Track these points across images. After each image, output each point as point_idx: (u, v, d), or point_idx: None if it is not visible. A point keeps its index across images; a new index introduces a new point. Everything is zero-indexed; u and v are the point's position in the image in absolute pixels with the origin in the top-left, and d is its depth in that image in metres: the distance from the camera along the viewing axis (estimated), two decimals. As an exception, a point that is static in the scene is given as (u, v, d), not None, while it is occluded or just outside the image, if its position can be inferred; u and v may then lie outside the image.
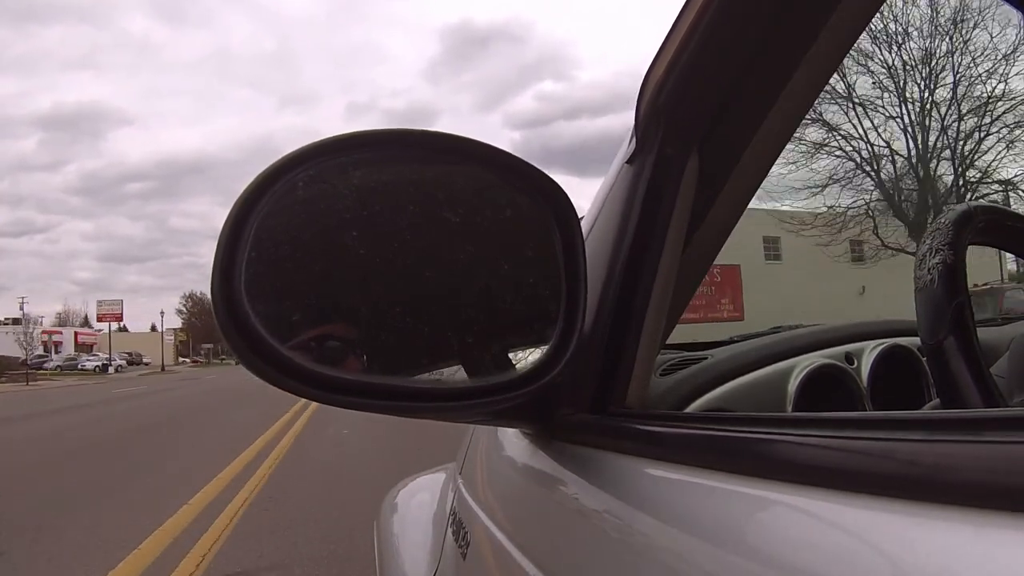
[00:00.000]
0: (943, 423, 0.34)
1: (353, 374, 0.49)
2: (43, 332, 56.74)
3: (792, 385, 0.80)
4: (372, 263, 0.51)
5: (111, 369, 46.95)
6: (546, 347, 0.53)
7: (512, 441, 0.73)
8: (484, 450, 0.86)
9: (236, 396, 15.51)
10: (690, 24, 0.52)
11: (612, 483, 0.49)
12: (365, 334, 0.51)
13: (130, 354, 61.47)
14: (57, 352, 55.65)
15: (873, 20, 0.54)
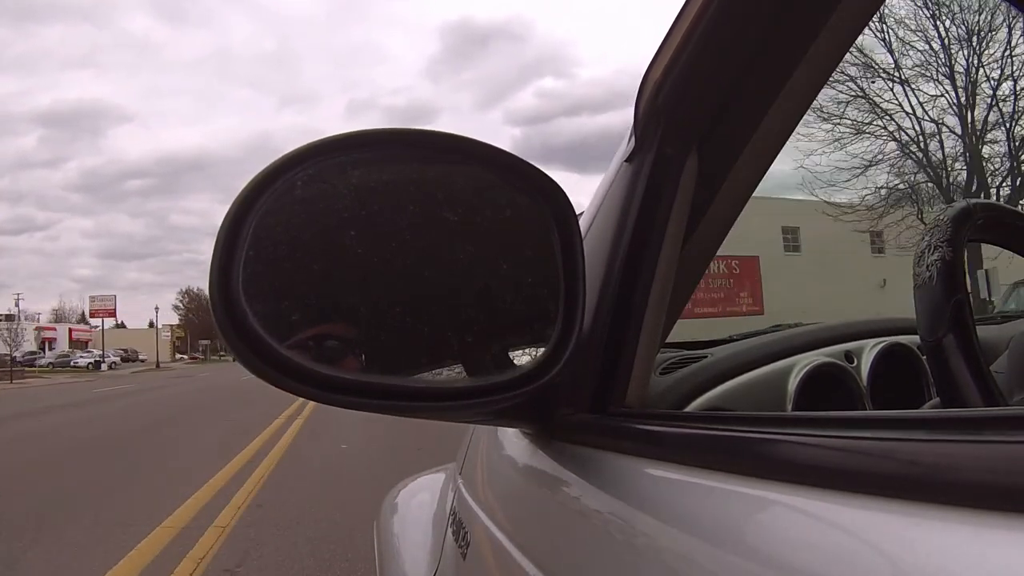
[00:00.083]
0: (943, 422, 0.34)
1: (352, 373, 0.49)
2: (36, 328, 56.29)
3: (792, 384, 0.80)
4: (371, 263, 0.51)
5: (104, 366, 46.25)
6: (546, 347, 0.53)
7: (512, 441, 0.73)
8: (484, 450, 0.86)
9: (226, 396, 14.77)
10: (690, 24, 0.52)
11: (612, 483, 0.49)
12: (364, 334, 0.51)
13: (125, 351, 60.59)
14: (51, 349, 54.93)
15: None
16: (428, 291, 0.52)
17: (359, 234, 0.50)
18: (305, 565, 3.13)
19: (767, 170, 0.59)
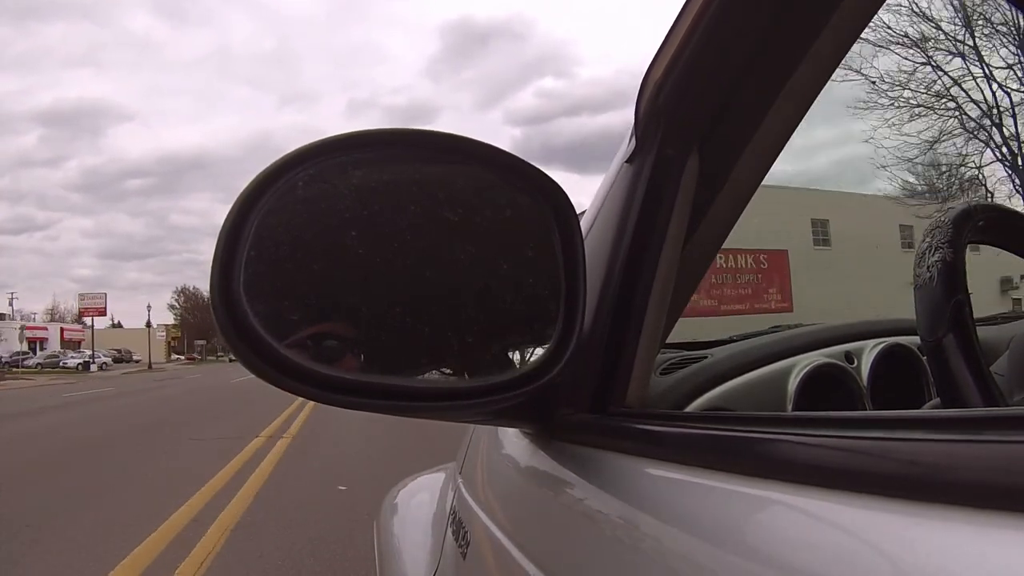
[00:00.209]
0: (943, 422, 0.34)
1: (352, 373, 0.49)
2: (28, 328, 55.18)
3: (792, 384, 0.80)
4: (372, 263, 0.51)
5: (94, 367, 44.34)
6: (546, 347, 0.53)
7: (512, 441, 0.73)
8: (484, 450, 0.86)
9: (210, 403, 13.33)
10: (690, 23, 0.52)
11: (612, 483, 0.49)
12: (365, 333, 0.51)
13: (119, 351, 59.26)
14: (43, 349, 53.43)
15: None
16: (429, 291, 0.52)
17: (360, 234, 0.50)
18: None
19: (768, 170, 0.59)
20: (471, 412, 0.57)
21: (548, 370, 0.52)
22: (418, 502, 1.22)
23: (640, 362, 0.57)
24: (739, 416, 0.68)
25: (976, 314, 0.58)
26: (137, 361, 57.06)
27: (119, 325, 76.08)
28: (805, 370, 0.81)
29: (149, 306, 64.01)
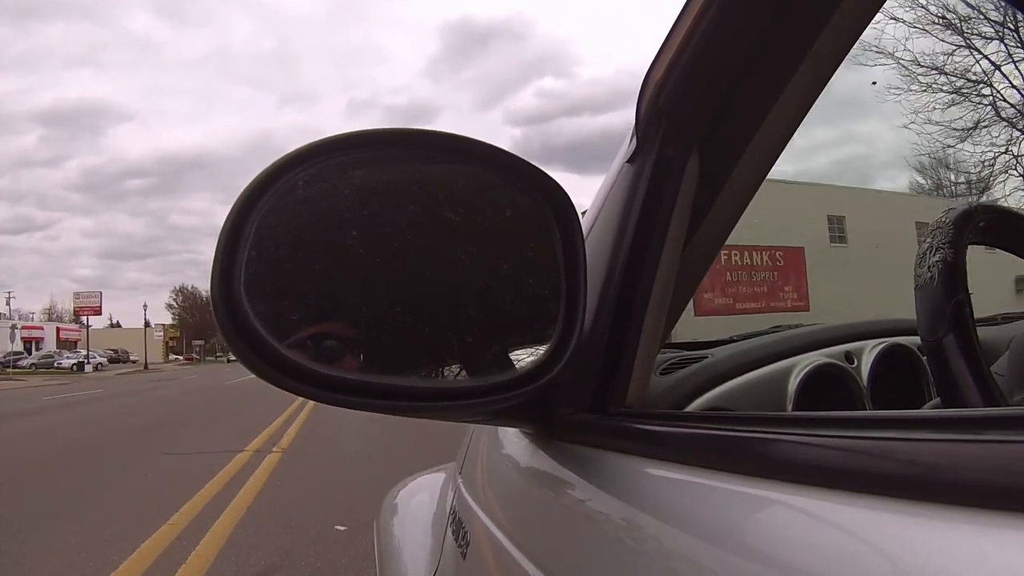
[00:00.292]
0: (943, 422, 0.34)
1: (353, 373, 0.49)
2: (24, 328, 54.34)
3: (792, 384, 0.80)
4: (373, 263, 0.51)
5: (88, 367, 42.70)
6: (546, 347, 0.53)
7: (512, 441, 0.73)
8: (484, 450, 0.86)
9: (199, 408, 12.01)
10: (690, 24, 0.52)
11: (612, 483, 0.49)
12: (365, 333, 0.51)
13: (115, 351, 58.22)
14: (39, 349, 52.33)
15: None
16: (429, 291, 0.52)
17: (360, 234, 0.50)
18: None
19: (769, 171, 0.59)
20: (471, 412, 0.57)
21: (548, 370, 0.52)
22: (418, 502, 1.22)
23: (640, 362, 0.57)
24: (739, 416, 0.68)
25: (981, 313, 0.58)
26: (134, 361, 55.96)
27: (118, 325, 75.53)
28: (805, 370, 0.81)
29: (145, 305, 60.98)
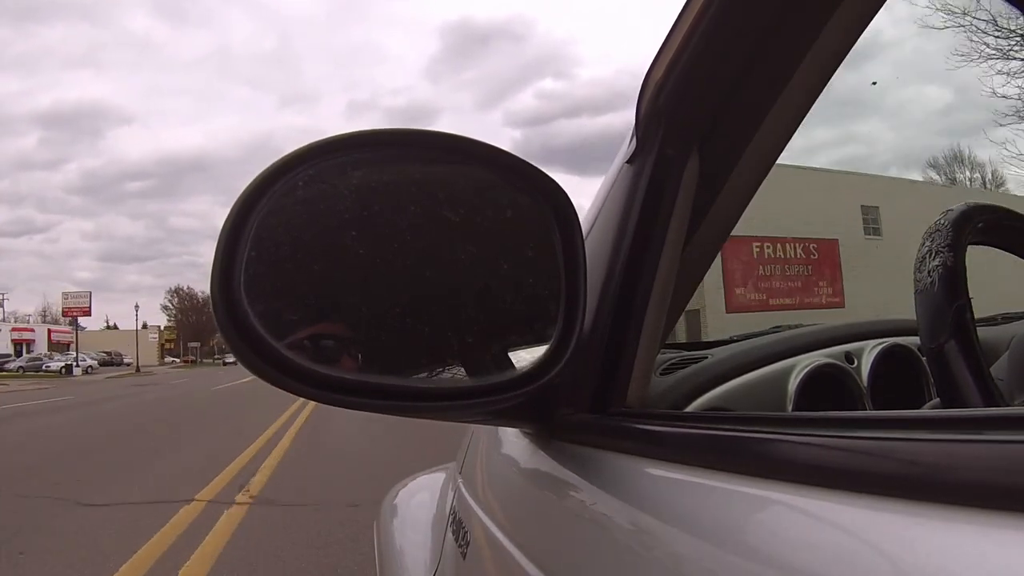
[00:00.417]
0: (943, 422, 0.34)
1: (353, 373, 0.49)
2: (13, 329, 53.42)
3: (792, 384, 0.80)
4: (372, 263, 0.51)
5: (77, 370, 41.31)
6: (546, 347, 0.53)
7: (512, 441, 0.73)
8: (484, 450, 0.86)
9: (170, 420, 10.05)
10: (690, 24, 0.52)
11: (612, 483, 0.49)
12: (364, 333, 0.51)
13: (109, 353, 57.03)
14: (29, 351, 50.94)
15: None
16: (429, 291, 0.52)
17: (360, 234, 0.50)
18: None
19: (769, 171, 0.59)
20: (471, 412, 0.57)
21: (548, 370, 0.52)
22: (418, 502, 1.22)
23: (640, 362, 0.57)
24: (739, 416, 0.68)
25: (980, 313, 0.58)
26: (128, 364, 53.81)
27: (115, 327, 74.79)
28: (805, 370, 0.81)
29: (137, 306, 58.64)
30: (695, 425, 0.52)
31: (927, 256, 0.59)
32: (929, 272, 0.58)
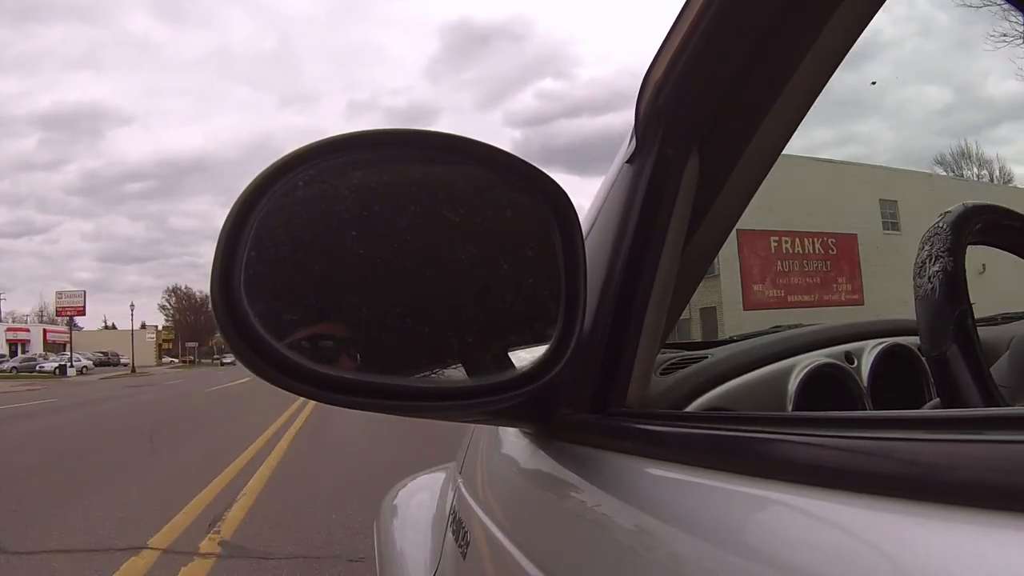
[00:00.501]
0: (943, 422, 0.34)
1: (353, 373, 0.49)
2: (8, 330, 52.57)
3: (792, 384, 0.80)
4: (372, 263, 0.51)
5: (71, 371, 40.23)
6: (546, 347, 0.53)
7: (512, 441, 0.73)
8: (484, 450, 0.86)
9: (151, 430, 8.55)
10: (690, 24, 0.52)
11: (612, 482, 0.49)
12: (365, 333, 0.51)
13: (105, 354, 55.98)
14: (24, 352, 49.78)
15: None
16: (429, 291, 0.52)
17: (360, 234, 0.50)
18: None
19: (769, 171, 0.59)
20: (471, 412, 0.57)
21: (548, 370, 0.52)
22: (418, 502, 1.22)
23: (640, 362, 0.57)
24: (739, 416, 0.68)
25: (980, 313, 0.57)
26: (124, 365, 52.27)
27: (113, 327, 74.22)
28: (805, 370, 0.81)
29: (132, 305, 56.42)
30: (695, 425, 0.52)
31: (927, 261, 0.59)
32: (930, 278, 0.57)
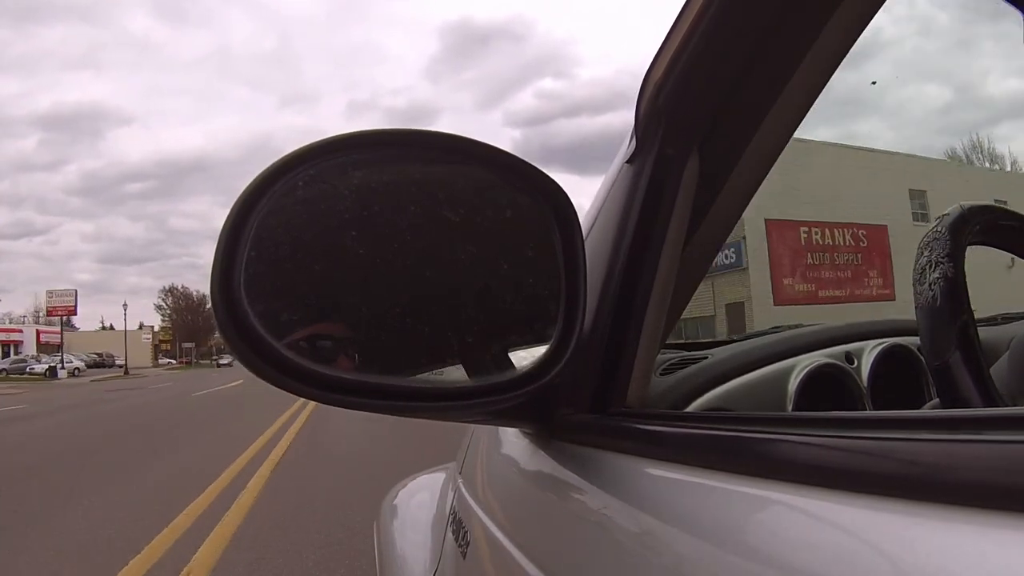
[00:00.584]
0: (943, 422, 0.34)
1: (353, 373, 0.49)
2: (0, 330, 51.38)
3: (792, 385, 0.80)
4: (372, 263, 0.51)
5: (62, 372, 38.88)
6: (546, 347, 0.53)
7: (512, 441, 0.73)
8: (484, 450, 0.86)
9: (103, 450, 7.17)
10: (690, 24, 0.52)
11: (612, 483, 0.49)
12: (365, 333, 0.51)
13: (100, 355, 54.63)
14: (17, 353, 48.15)
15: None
16: (429, 291, 0.52)
17: (360, 234, 0.50)
18: None
19: (769, 171, 0.59)
20: (471, 412, 0.57)
21: (548, 370, 0.52)
22: (418, 502, 1.22)
23: (640, 362, 0.57)
24: (739, 416, 0.68)
25: (980, 313, 0.57)
26: (120, 366, 50.19)
27: (111, 328, 73.46)
28: (805, 370, 0.81)
29: (125, 304, 54.34)
30: (695, 425, 0.52)
31: (927, 268, 0.58)
32: (930, 286, 0.57)
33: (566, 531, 0.53)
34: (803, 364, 0.82)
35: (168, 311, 74.48)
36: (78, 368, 42.52)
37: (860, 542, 0.27)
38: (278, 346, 0.45)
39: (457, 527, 0.82)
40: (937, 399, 0.63)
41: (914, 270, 0.60)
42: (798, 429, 0.39)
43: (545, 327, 0.53)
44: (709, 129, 0.57)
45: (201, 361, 70.76)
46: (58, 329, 54.35)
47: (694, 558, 0.37)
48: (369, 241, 0.50)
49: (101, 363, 53.43)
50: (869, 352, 0.87)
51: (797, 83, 0.53)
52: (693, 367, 0.78)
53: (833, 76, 0.54)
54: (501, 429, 0.78)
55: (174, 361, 67.96)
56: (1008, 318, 0.90)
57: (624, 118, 0.68)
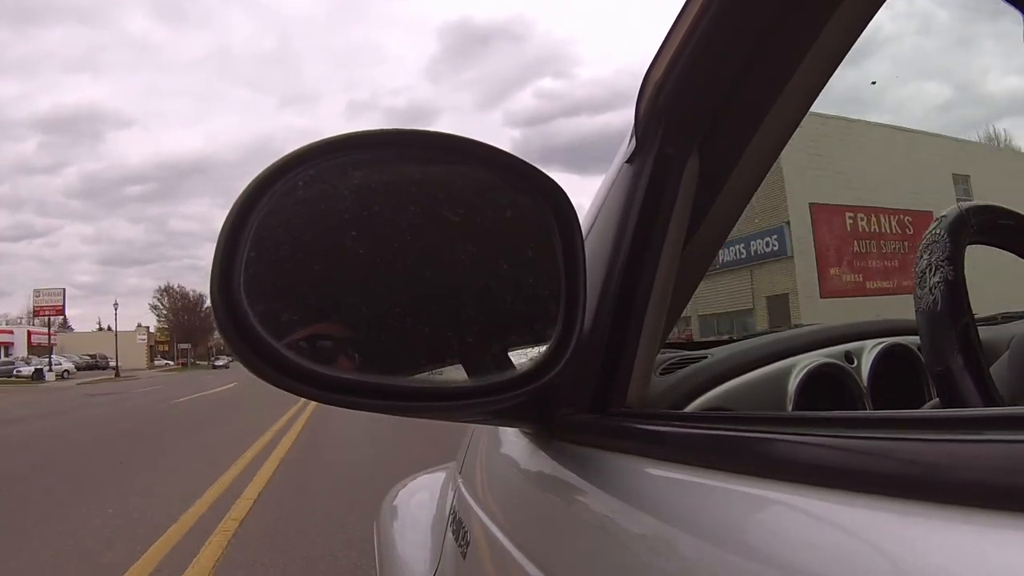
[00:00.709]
0: (943, 422, 0.34)
1: (353, 373, 0.49)
2: None
3: (792, 384, 0.80)
4: (372, 263, 0.51)
5: (50, 375, 37.45)
6: (546, 347, 0.53)
7: (512, 441, 0.73)
8: (484, 450, 0.86)
9: (25, 486, 4.98)
10: (690, 23, 0.52)
11: (612, 483, 0.49)
12: (365, 333, 0.51)
13: (93, 356, 53.52)
14: (8, 354, 46.84)
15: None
16: (429, 291, 0.52)
17: (360, 234, 0.50)
18: None
19: (769, 171, 0.59)
20: (471, 412, 0.57)
21: (548, 370, 0.52)
22: (418, 502, 1.22)
23: (640, 362, 0.57)
24: (739, 416, 0.68)
25: (980, 313, 0.57)
26: (114, 367, 47.29)
27: (109, 329, 72.81)
28: (805, 370, 0.81)
29: (116, 304, 51.58)
30: (695, 425, 0.52)
31: (927, 271, 0.58)
32: (931, 289, 0.57)
33: (566, 531, 0.53)
34: (803, 364, 0.82)
35: (164, 311, 73.40)
36: (67, 370, 41.06)
37: (860, 542, 0.27)
38: (278, 346, 0.45)
39: (457, 527, 0.82)
40: (937, 399, 0.63)
41: (914, 275, 0.59)
42: (798, 429, 0.39)
43: (545, 327, 0.53)
44: (709, 129, 0.57)
45: (199, 362, 70.04)
46: (52, 330, 52.76)
47: (694, 558, 0.37)
48: (369, 241, 0.50)
49: (94, 365, 51.94)
50: (869, 351, 0.87)
51: (797, 83, 0.53)
52: (693, 367, 0.78)
53: (833, 76, 0.54)
54: (501, 429, 0.78)
55: (171, 362, 66.90)
56: (1008, 317, 0.90)
57: (624, 118, 0.68)
